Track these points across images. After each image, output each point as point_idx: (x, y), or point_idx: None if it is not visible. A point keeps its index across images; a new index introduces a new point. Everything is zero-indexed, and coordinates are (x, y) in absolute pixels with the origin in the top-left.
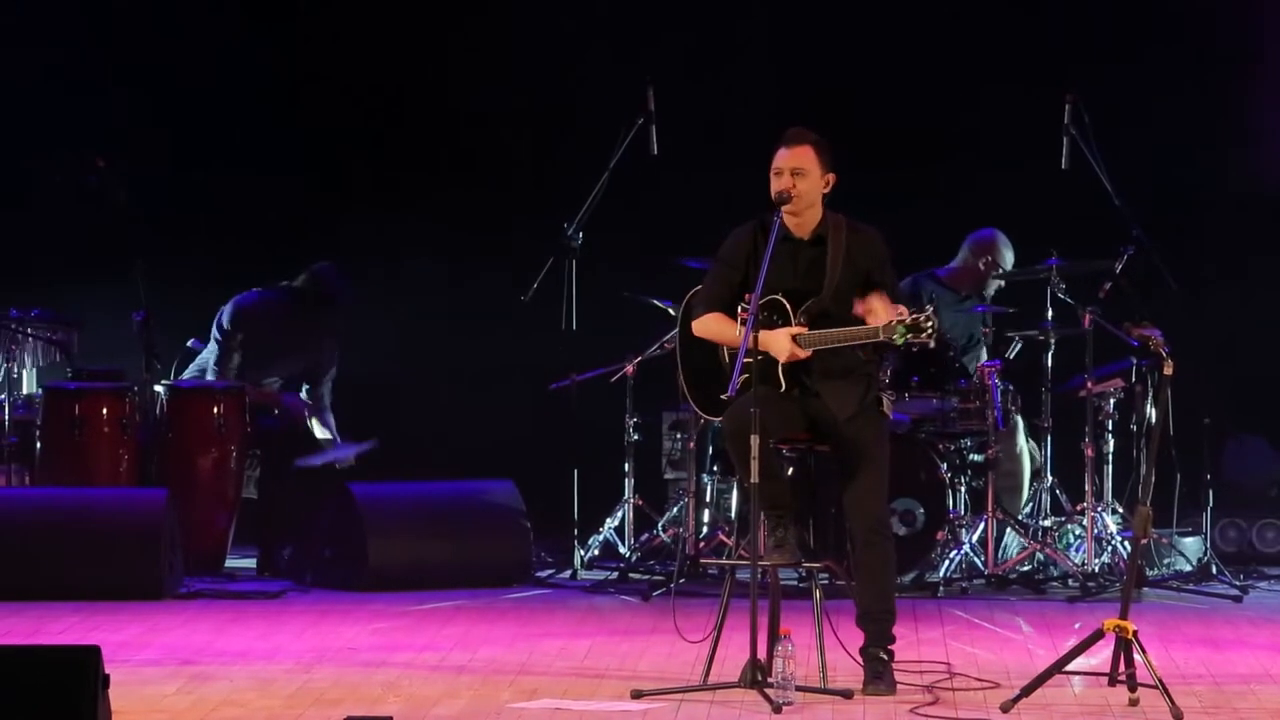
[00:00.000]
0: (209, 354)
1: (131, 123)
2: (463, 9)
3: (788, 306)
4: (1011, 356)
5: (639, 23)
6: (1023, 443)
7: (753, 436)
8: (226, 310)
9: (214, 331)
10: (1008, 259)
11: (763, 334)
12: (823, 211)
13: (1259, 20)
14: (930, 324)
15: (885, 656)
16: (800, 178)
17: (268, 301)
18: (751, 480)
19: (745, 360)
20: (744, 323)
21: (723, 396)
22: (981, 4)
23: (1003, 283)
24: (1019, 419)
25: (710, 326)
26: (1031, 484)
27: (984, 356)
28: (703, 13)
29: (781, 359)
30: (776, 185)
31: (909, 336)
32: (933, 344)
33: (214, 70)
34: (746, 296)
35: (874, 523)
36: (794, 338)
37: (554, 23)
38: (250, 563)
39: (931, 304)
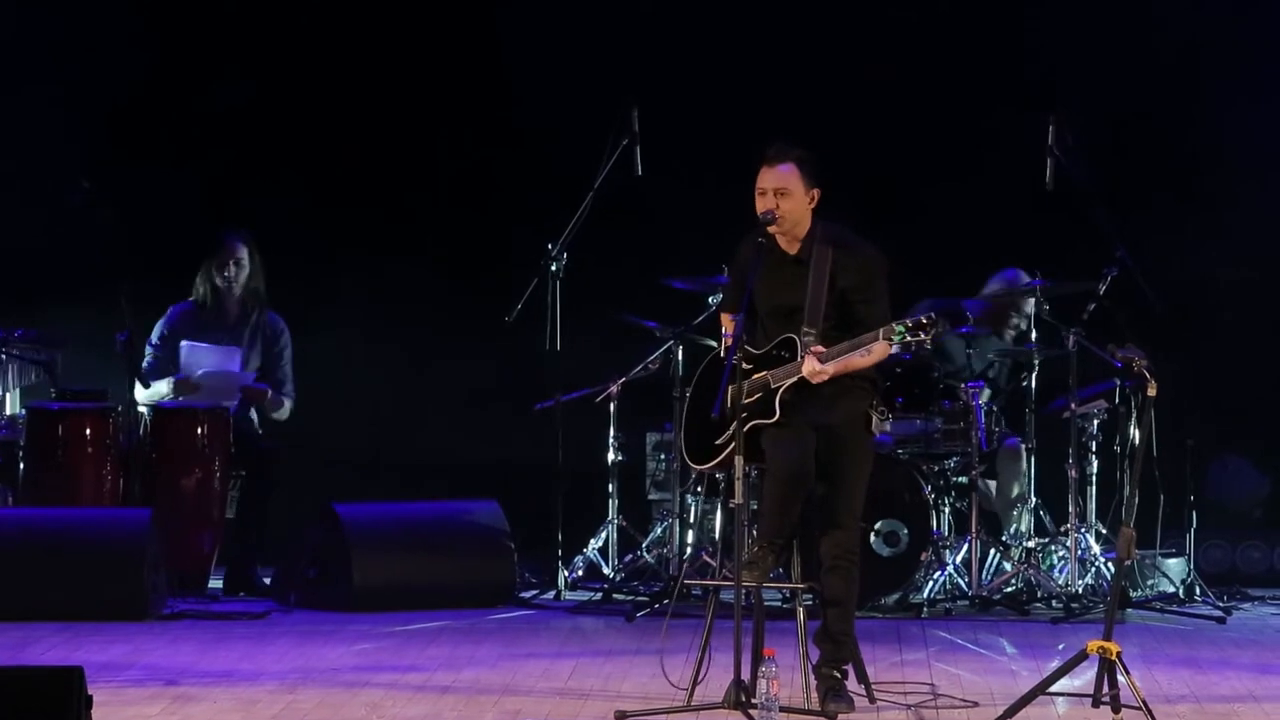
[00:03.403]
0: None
1: (116, 142)
2: (448, 30)
3: (796, 340)
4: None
5: (623, 43)
6: (1023, 467)
7: (737, 457)
8: (158, 324)
9: (147, 347)
10: (1029, 303)
11: (790, 366)
12: (810, 225)
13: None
14: (930, 324)
15: (839, 675)
16: (784, 197)
17: (189, 307)
18: (736, 501)
19: (747, 400)
20: (726, 349)
21: (714, 416)
22: (968, 23)
23: (1024, 325)
24: (1021, 444)
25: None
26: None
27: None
28: (687, 33)
29: (808, 375)
30: (760, 205)
31: (907, 337)
32: (930, 348)
33: (198, 92)
34: (729, 319)
35: (841, 549)
36: (817, 355)
37: (539, 44)
38: None
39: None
